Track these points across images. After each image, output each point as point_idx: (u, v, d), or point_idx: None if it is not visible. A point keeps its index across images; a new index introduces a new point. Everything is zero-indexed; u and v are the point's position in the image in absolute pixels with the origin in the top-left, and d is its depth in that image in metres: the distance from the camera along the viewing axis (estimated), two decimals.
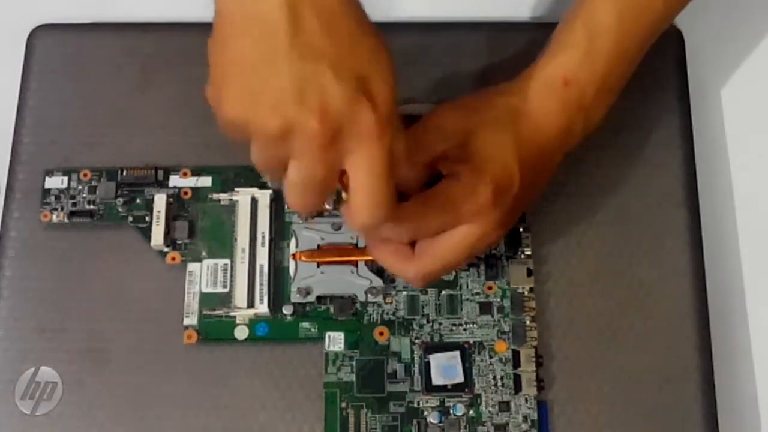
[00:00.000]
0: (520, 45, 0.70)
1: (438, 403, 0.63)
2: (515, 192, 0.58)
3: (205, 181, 0.68)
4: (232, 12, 0.52)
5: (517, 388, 0.64)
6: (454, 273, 0.66)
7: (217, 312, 0.65)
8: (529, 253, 0.66)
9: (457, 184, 0.57)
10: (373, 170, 0.51)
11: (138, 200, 0.68)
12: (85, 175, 0.68)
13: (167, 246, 0.67)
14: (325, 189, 0.53)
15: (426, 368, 0.64)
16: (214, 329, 0.65)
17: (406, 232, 0.58)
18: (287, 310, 0.65)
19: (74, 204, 0.67)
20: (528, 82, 0.61)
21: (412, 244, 0.60)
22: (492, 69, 0.70)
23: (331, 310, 0.65)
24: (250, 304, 0.65)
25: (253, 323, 0.65)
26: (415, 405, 0.63)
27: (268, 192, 0.67)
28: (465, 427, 0.63)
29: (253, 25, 0.51)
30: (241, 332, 0.65)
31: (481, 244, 0.59)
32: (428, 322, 0.65)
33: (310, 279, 0.65)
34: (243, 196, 0.67)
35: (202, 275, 0.66)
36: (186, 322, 0.65)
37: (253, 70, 0.51)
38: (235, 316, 0.65)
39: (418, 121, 0.59)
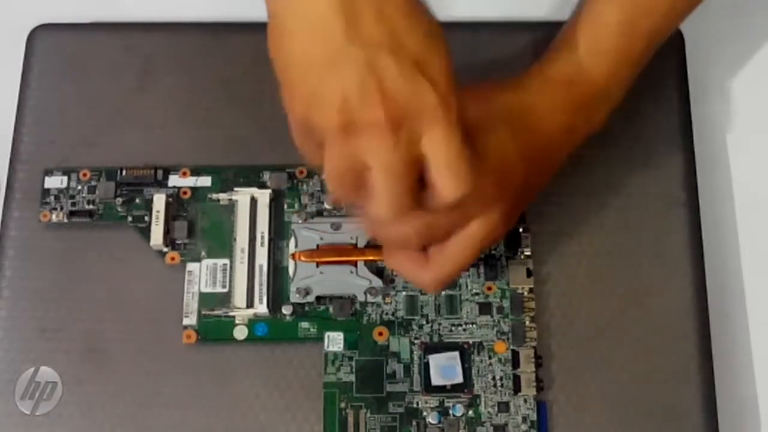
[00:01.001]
0: (521, 45, 0.70)
1: (437, 404, 0.63)
2: (518, 185, 0.58)
3: (205, 181, 0.68)
4: (284, 13, 0.52)
5: (517, 388, 0.63)
6: None
7: (216, 312, 0.65)
8: (528, 253, 0.66)
9: None
10: (449, 146, 0.51)
11: (137, 200, 0.68)
12: (84, 174, 0.68)
13: (166, 246, 0.67)
14: (409, 181, 0.52)
15: (425, 368, 0.64)
16: (214, 329, 0.65)
17: (416, 235, 0.57)
18: (286, 310, 0.65)
19: (74, 204, 0.68)
20: (531, 80, 0.61)
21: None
22: (492, 69, 0.70)
23: (331, 310, 0.65)
24: (250, 304, 0.65)
25: (252, 323, 0.65)
26: (415, 405, 0.63)
27: (267, 192, 0.67)
28: (464, 428, 0.63)
29: (307, 24, 0.51)
30: (241, 332, 0.65)
31: (489, 240, 0.59)
32: (428, 322, 0.65)
33: (310, 279, 0.65)
34: (242, 195, 0.67)
35: (202, 275, 0.66)
36: (185, 322, 0.65)
37: (313, 70, 0.51)
38: (234, 316, 0.65)
39: None
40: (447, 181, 0.52)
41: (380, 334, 0.65)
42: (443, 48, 0.51)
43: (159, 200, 0.67)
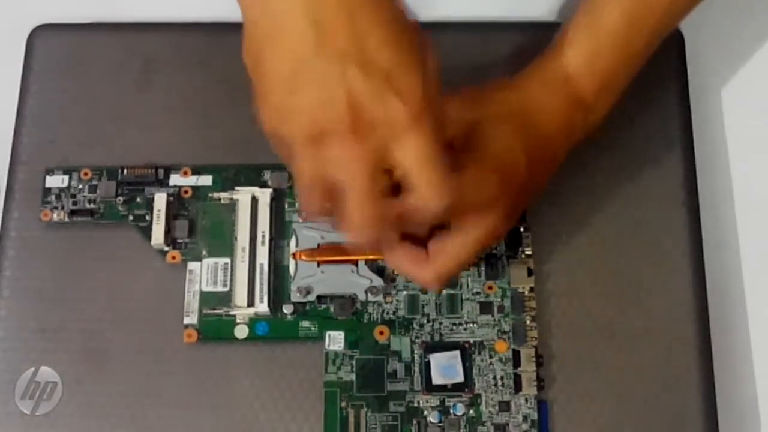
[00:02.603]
0: (521, 45, 0.70)
1: (438, 403, 0.63)
2: (521, 186, 0.59)
3: (206, 180, 0.68)
4: (257, 22, 0.52)
5: (517, 387, 0.64)
6: None
7: (217, 311, 0.65)
8: (529, 252, 0.66)
9: (463, 176, 0.57)
10: (421, 156, 0.51)
11: (138, 199, 0.68)
12: (85, 174, 0.68)
13: (167, 245, 0.67)
14: (378, 193, 0.52)
15: (426, 368, 0.64)
16: (214, 328, 0.65)
17: (418, 227, 0.58)
18: (287, 309, 0.65)
19: (75, 203, 0.68)
20: (531, 79, 0.61)
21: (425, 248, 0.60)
22: (492, 69, 0.70)
23: (332, 309, 0.65)
24: (250, 303, 0.65)
25: (253, 322, 0.65)
26: (415, 404, 0.63)
27: (268, 191, 0.67)
28: (465, 427, 0.63)
29: (279, 35, 0.51)
30: (241, 331, 0.65)
31: (491, 237, 0.59)
32: (428, 321, 0.65)
33: (311, 278, 0.65)
34: (243, 195, 0.67)
35: (203, 274, 0.66)
36: (186, 321, 0.65)
37: (283, 81, 0.51)
38: (235, 315, 0.65)
39: None
40: (425, 193, 0.52)
41: (381, 333, 0.65)
42: (417, 60, 0.51)
43: (160, 199, 0.67)
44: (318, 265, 0.65)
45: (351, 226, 0.53)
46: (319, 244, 0.66)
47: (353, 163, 0.51)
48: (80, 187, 0.68)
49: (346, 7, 0.50)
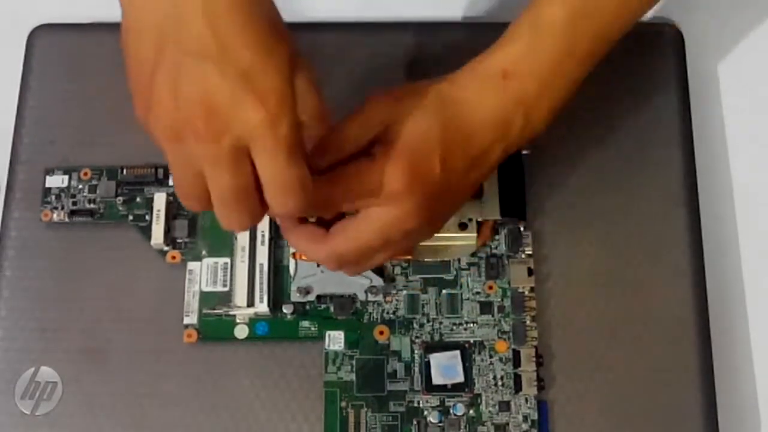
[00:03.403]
0: None
1: (438, 403, 0.63)
2: (436, 181, 0.57)
3: None
4: (127, 14, 0.51)
5: (517, 387, 0.64)
6: (454, 272, 0.66)
7: (217, 311, 0.65)
8: (529, 252, 0.66)
9: (368, 164, 0.56)
10: (273, 161, 0.50)
11: (138, 199, 0.68)
12: (85, 174, 0.68)
13: (167, 245, 0.67)
14: (246, 196, 0.52)
15: (426, 368, 0.64)
16: (214, 328, 0.65)
17: (314, 205, 0.56)
18: (287, 309, 0.65)
19: (74, 203, 0.68)
20: (466, 73, 0.59)
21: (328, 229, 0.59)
22: None
23: (331, 309, 0.65)
24: (250, 303, 0.65)
25: (253, 322, 0.65)
26: (415, 404, 0.63)
27: None
28: (465, 427, 0.63)
29: (144, 28, 0.50)
30: (241, 331, 0.65)
31: (396, 229, 0.57)
32: (428, 321, 0.65)
33: (310, 278, 0.65)
34: None
35: (202, 274, 0.66)
36: (186, 321, 0.65)
37: (145, 78, 0.51)
38: (235, 315, 0.65)
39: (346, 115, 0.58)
40: (273, 196, 0.52)
41: (381, 333, 0.65)
42: (281, 63, 0.50)
43: (160, 199, 0.67)
44: (318, 264, 0.65)
45: (220, 222, 0.53)
46: None
47: (211, 162, 0.50)
48: (80, 187, 0.68)
49: (210, 3, 0.49)
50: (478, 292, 0.66)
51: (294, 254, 0.65)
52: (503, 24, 0.59)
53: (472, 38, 0.70)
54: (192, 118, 0.49)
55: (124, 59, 0.52)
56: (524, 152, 0.66)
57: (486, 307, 0.65)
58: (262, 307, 0.65)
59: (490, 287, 0.66)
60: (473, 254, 0.66)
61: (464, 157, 0.58)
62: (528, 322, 0.65)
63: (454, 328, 0.65)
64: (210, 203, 0.53)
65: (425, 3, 0.74)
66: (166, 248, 0.67)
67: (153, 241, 0.66)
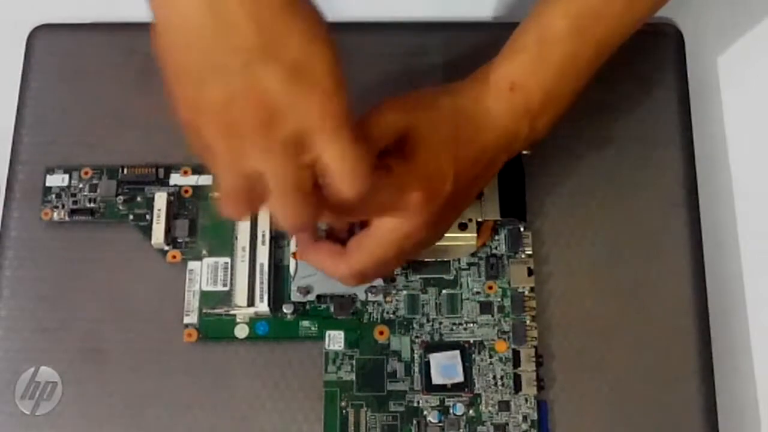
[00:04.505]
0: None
1: (438, 403, 0.63)
2: (447, 195, 0.57)
3: (206, 180, 0.68)
4: (161, 17, 0.50)
5: (517, 387, 0.64)
6: (454, 272, 0.66)
7: (217, 310, 0.65)
8: (529, 252, 0.66)
9: (386, 177, 0.56)
10: (338, 150, 0.50)
11: (139, 198, 0.68)
12: (86, 173, 0.68)
13: (168, 244, 0.67)
14: (303, 183, 0.51)
15: (426, 367, 0.64)
16: (215, 328, 0.65)
17: (330, 215, 0.56)
18: (287, 308, 0.65)
19: (75, 202, 0.68)
20: (475, 84, 0.60)
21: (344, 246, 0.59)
22: None
23: (332, 308, 0.65)
24: (251, 303, 0.65)
25: (253, 322, 0.65)
26: (415, 404, 0.63)
27: None
28: (465, 427, 0.63)
29: (182, 30, 0.49)
30: (242, 331, 0.65)
31: (409, 242, 0.58)
32: (428, 321, 0.65)
33: (311, 278, 0.65)
34: None
35: (203, 274, 0.66)
36: (186, 320, 0.65)
37: (192, 77, 0.50)
38: (235, 315, 0.65)
39: (360, 118, 0.57)
40: (341, 183, 0.51)
41: (381, 333, 0.65)
42: (327, 50, 0.50)
43: (160, 199, 0.67)
44: None
45: (280, 219, 0.52)
46: None
47: (270, 157, 0.50)
48: (80, 186, 0.68)
49: None
50: (478, 292, 0.66)
51: (294, 254, 0.65)
52: (504, 24, 0.60)
53: (473, 38, 0.71)
54: (246, 113, 0.49)
55: (160, 63, 0.51)
56: (524, 152, 0.65)
57: (486, 307, 0.65)
58: (262, 306, 0.65)
59: (490, 287, 0.66)
60: (473, 254, 0.66)
61: (474, 169, 0.59)
62: (528, 322, 0.65)
63: (454, 328, 0.65)
64: (257, 205, 0.52)
65: (426, 3, 0.74)
66: (166, 248, 0.67)
67: (153, 241, 0.66)
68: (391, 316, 0.65)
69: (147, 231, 0.67)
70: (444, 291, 0.66)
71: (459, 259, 0.66)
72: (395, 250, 0.58)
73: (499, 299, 0.65)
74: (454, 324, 0.65)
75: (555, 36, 0.59)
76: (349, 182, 0.51)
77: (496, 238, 0.67)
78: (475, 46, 0.70)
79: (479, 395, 0.63)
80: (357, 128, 0.55)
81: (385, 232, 0.57)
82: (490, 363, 0.64)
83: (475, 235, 0.65)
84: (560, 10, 0.59)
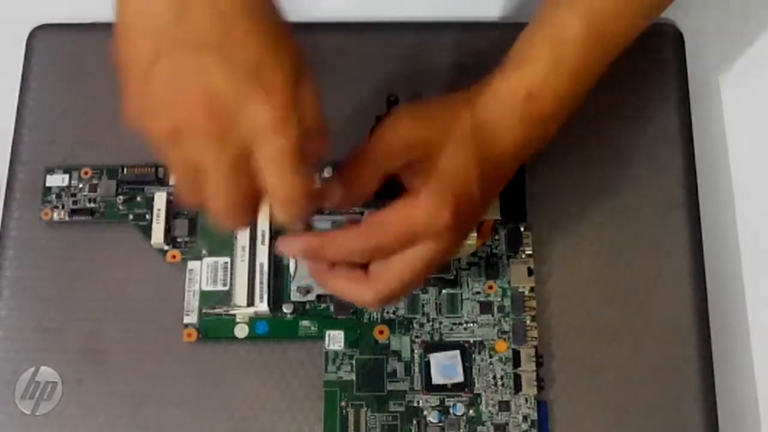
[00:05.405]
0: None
1: (438, 403, 0.63)
2: (476, 207, 0.57)
3: None
4: (121, 11, 0.49)
5: (517, 387, 0.64)
6: (454, 272, 0.66)
7: (217, 310, 0.65)
8: (529, 252, 0.66)
9: (417, 206, 0.54)
10: (280, 165, 0.48)
11: (138, 198, 0.68)
12: (85, 173, 0.68)
13: (167, 244, 0.67)
14: (245, 198, 0.50)
15: (426, 367, 0.64)
16: (214, 327, 0.65)
17: (361, 255, 0.55)
18: (287, 308, 0.65)
19: (75, 202, 0.68)
20: (490, 94, 0.58)
21: (364, 266, 0.57)
22: (492, 69, 0.70)
23: (331, 308, 0.65)
24: (250, 303, 0.65)
25: (253, 321, 0.65)
26: (415, 404, 0.63)
27: None
28: (465, 427, 0.63)
29: (140, 24, 0.48)
30: (241, 330, 0.65)
31: (439, 261, 0.56)
32: (428, 321, 0.65)
33: (310, 278, 0.65)
34: None
35: (203, 273, 0.66)
36: (186, 320, 0.65)
37: (140, 73, 0.48)
38: (235, 315, 0.65)
39: (374, 131, 0.57)
40: (274, 205, 0.50)
41: (381, 332, 0.65)
42: (287, 58, 0.48)
43: (160, 198, 0.67)
44: None
45: (215, 218, 0.51)
46: None
47: (213, 162, 0.48)
48: (80, 186, 0.68)
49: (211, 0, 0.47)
50: (478, 292, 0.66)
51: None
52: (510, 24, 0.60)
53: (473, 38, 0.71)
54: (193, 114, 0.47)
55: (116, 59, 0.50)
56: None
57: (486, 307, 0.65)
58: (262, 306, 0.65)
59: (490, 287, 0.66)
60: (473, 254, 0.66)
61: (493, 180, 0.58)
62: (528, 322, 0.65)
63: (454, 327, 0.65)
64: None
65: (426, 3, 0.74)
66: (166, 247, 0.67)
67: (153, 241, 0.66)
68: (391, 315, 0.65)
69: (147, 231, 0.67)
70: (444, 291, 0.66)
71: (459, 259, 0.66)
72: (425, 272, 0.56)
73: (499, 299, 0.65)
74: (454, 324, 0.65)
75: (570, 41, 0.58)
76: (280, 207, 0.51)
77: (496, 238, 0.67)
78: (481, 46, 0.70)
79: (479, 395, 0.63)
80: (372, 141, 0.55)
81: (417, 256, 0.55)
82: (490, 363, 0.64)
83: (476, 235, 0.65)
84: (576, 12, 0.58)
